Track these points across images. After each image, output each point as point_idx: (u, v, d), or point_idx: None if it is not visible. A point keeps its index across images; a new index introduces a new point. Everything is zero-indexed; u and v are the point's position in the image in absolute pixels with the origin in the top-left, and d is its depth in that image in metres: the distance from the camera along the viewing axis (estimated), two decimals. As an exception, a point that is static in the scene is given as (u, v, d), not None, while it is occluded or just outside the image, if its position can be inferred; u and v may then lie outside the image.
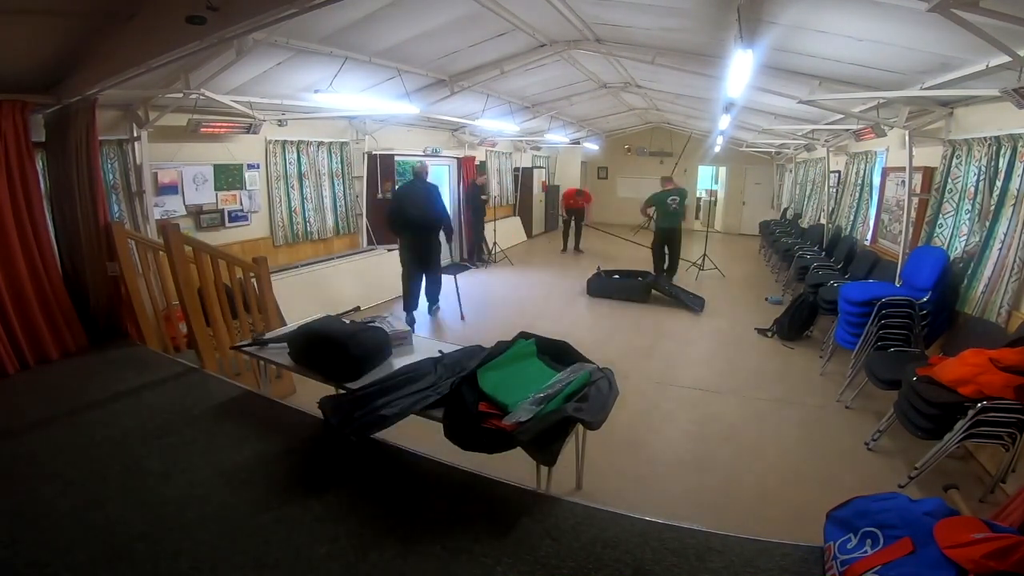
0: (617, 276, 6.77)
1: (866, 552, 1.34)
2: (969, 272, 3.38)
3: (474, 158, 9.14)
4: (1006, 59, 2.45)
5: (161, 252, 3.73)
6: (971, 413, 2.37)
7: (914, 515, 1.36)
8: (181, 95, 3.86)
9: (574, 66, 5.90)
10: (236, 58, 3.37)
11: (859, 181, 6.13)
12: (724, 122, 6.73)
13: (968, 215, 3.59)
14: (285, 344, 2.56)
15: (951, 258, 3.69)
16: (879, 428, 3.13)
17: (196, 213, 4.82)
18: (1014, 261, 2.97)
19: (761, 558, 1.58)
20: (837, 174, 7.02)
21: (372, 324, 2.62)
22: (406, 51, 4.39)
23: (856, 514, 1.47)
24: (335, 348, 2.31)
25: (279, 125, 5.52)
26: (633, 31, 4.39)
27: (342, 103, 4.89)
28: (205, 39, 2.17)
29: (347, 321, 2.71)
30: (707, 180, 14.87)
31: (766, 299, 6.04)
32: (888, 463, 2.97)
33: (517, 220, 11.27)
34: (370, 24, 3.64)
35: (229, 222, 5.13)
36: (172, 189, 4.59)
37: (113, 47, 2.69)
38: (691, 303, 6.21)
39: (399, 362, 2.46)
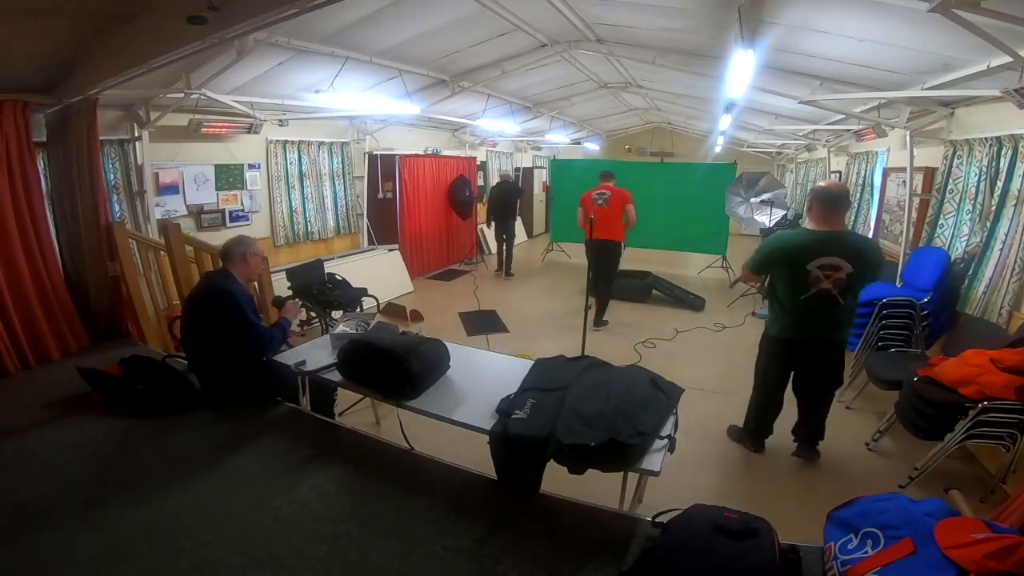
0: (617, 276, 6.75)
1: (867, 553, 1.34)
2: (970, 272, 3.38)
3: (475, 158, 9.15)
4: (1007, 59, 2.45)
5: (162, 252, 3.74)
6: (972, 414, 2.37)
7: (915, 515, 1.36)
8: (182, 95, 3.87)
9: (575, 66, 5.90)
10: (237, 58, 3.38)
11: (860, 181, 6.12)
12: (725, 122, 6.74)
13: (969, 215, 3.58)
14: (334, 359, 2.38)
15: (952, 258, 3.68)
16: (880, 428, 3.13)
17: (197, 213, 4.83)
18: (1015, 261, 2.97)
19: (761, 558, 1.57)
20: (838, 174, 7.02)
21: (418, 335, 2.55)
22: (407, 51, 4.39)
23: (857, 515, 1.47)
24: (394, 363, 2.13)
25: (280, 125, 5.53)
26: (634, 31, 4.39)
27: (343, 103, 4.90)
28: (206, 39, 2.18)
29: (400, 331, 2.69)
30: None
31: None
32: (889, 463, 2.97)
33: (517, 220, 11.27)
34: (371, 24, 3.64)
35: (230, 222, 5.13)
36: (173, 189, 4.60)
37: (114, 47, 2.70)
38: (692, 303, 6.22)
39: (459, 378, 2.33)
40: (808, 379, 2.84)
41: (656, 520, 1.56)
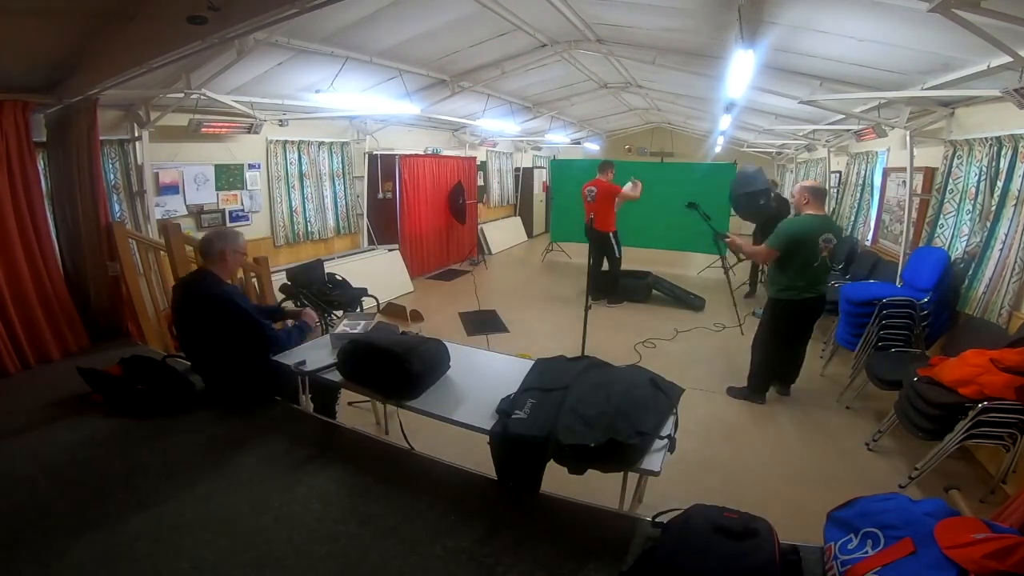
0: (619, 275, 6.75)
1: (867, 553, 1.34)
2: (970, 272, 3.38)
3: (475, 158, 9.15)
4: (1007, 59, 2.45)
5: (162, 252, 3.74)
6: (972, 414, 2.37)
7: (915, 515, 1.36)
8: (182, 95, 3.87)
9: (575, 66, 5.90)
10: (237, 58, 3.38)
11: (860, 182, 6.13)
12: (725, 122, 6.74)
13: (969, 215, 3.58)
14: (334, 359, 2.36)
15: (952, 258, 3.68)
16: (880, 428, 3.13)
17: (197, 213, 4.83)
18: (1015, 262, 2.97)
19: (761, 558, 1.57)
20: (838, 174, 7.02)
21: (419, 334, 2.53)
22: (407, 51, 4.39)
23: (857, 515, 1.47)
24: (394, 363, 2.12)
25: (280, 125, 5.53)
26: (634, 31, 4.39)
27: (343, 103, 4.90)
28: (206, 39, 2.18)
29: (400, 331, 2.70)
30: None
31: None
32: (889, 463, 2.97)
33: (518, 220, 11.28)
34: (371, 24, 3.64)
35: (230, 222, 5.13)
36: (173, 189, 4.60)
37: (114, 47, 2.70)
38: (692, 303, 6.21)
39: (459, 378, 2.32)
40: (808, 330, 3.61)
41: (656, 520, 1.56)
